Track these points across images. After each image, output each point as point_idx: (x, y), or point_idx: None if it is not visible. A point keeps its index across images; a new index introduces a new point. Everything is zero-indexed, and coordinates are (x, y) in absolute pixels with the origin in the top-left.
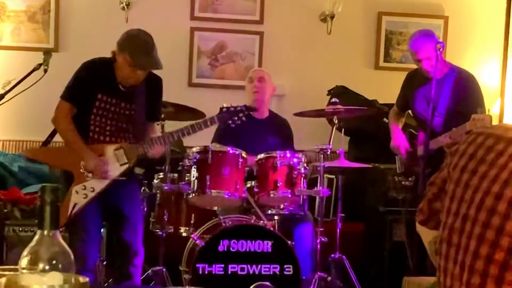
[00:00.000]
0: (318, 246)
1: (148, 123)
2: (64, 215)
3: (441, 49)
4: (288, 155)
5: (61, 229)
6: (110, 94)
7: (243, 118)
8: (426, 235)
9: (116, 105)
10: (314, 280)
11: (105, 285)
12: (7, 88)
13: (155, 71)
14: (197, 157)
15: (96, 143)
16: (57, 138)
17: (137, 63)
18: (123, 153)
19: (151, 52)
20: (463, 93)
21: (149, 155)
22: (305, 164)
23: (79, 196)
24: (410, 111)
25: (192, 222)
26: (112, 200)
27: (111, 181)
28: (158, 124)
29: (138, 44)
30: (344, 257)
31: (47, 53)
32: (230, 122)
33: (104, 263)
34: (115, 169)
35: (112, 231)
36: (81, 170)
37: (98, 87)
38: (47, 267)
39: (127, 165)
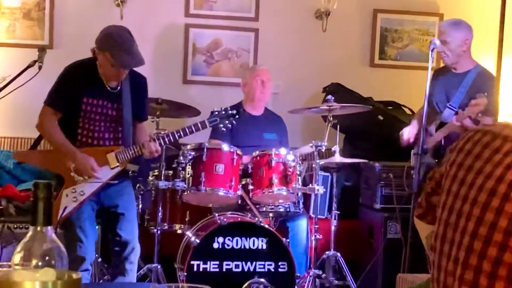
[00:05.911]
0: (313, 243)
1: (136, 123)
2: (54, 218)
3: (464, 45)
4: (283, 152)
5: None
6: (96, 96)
7: (234, 122)
8: (423, 229)
9: (103, 107)
10: (308, 277)
11: (100, 281)
12: (2, 85)
13: (138, 70)
14: (192, 154)
15: (85, 146)
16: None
17: (118, 62)
18: (114, 156)
19: (132, 49)
20: (478, 91)
21: (144, 156)
22: (300, 162)
23: (69, 199)
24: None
25: (187, 219)
26: (106, 200)
27: (102, 184)
28: (153, 121)
29: (118, 43)
30: (338, 254)
31: (42, 50)
32: (221, 126)
33: (99, 260)
34: (106, 173)
35: (107, 229)
36: (71, 173)
37: (83, 91)
38: (40, 263)
39: (118, 169)
